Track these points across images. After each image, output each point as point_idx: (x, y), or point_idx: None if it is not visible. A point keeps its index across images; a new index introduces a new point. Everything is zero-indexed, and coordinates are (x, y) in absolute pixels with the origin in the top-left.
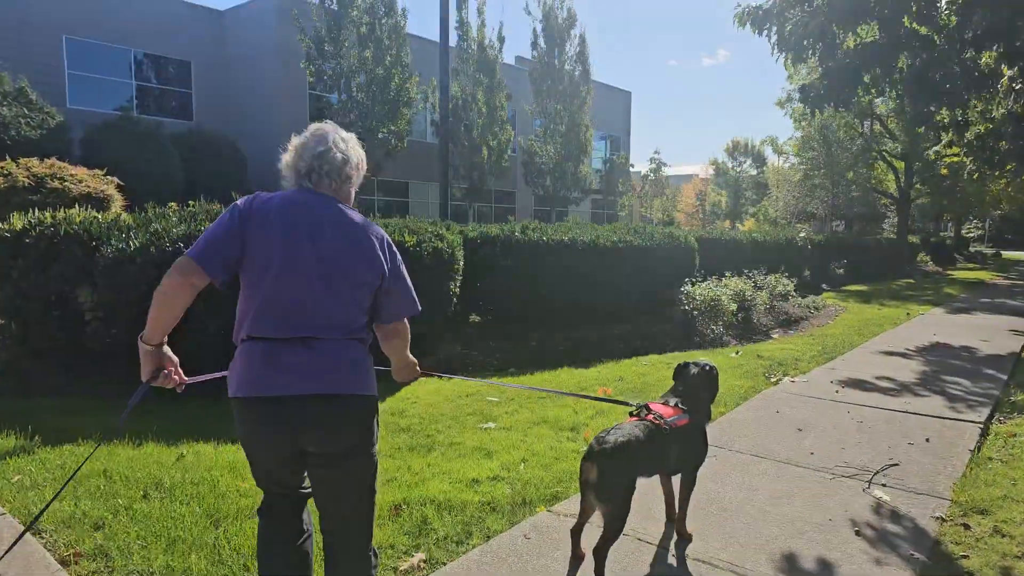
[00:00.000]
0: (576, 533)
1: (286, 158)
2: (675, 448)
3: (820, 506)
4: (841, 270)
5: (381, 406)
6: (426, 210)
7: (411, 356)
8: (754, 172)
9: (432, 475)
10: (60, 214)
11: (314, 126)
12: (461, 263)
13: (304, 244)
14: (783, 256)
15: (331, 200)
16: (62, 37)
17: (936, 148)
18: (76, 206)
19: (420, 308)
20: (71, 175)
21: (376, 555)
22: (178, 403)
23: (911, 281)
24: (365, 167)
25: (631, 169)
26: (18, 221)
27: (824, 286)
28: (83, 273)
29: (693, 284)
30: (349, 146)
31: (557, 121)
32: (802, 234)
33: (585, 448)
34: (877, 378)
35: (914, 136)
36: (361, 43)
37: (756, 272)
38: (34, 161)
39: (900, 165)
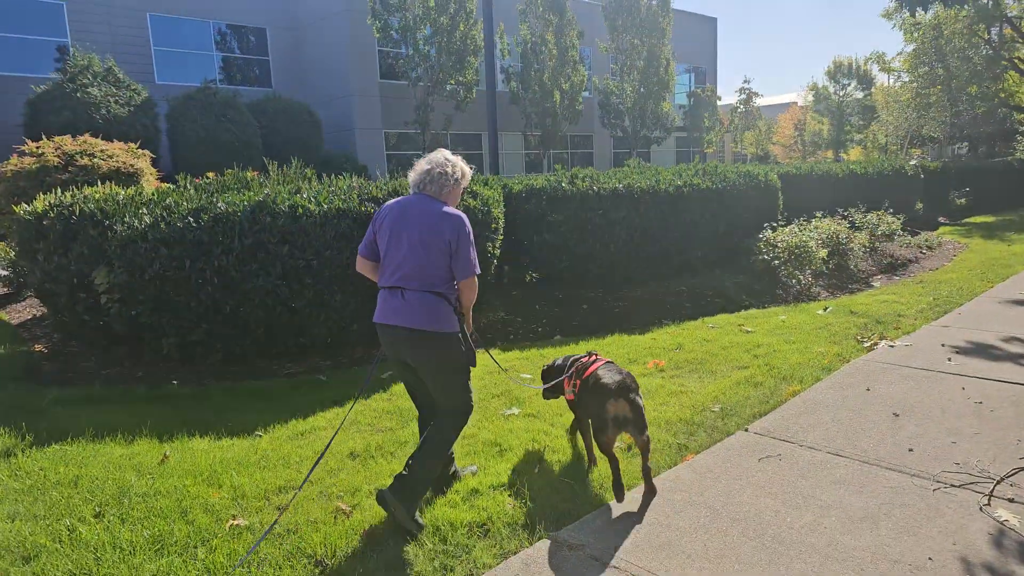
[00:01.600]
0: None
1: (409, 175)
2: None
3: (918, 534)
4: (962, 200)
5: (399, 388)
6: (500, 161)
7: (470, 310)
8: (860, 95)
9: None
10: (79, 193)
11: (429, 155)
12: (501, 220)
13: (400, 229)
14: (889, 189)
15: (429, 199)
16: (147, 15)
17: None
18: (104, 183)
19: (476, 272)
20: (101, 151)
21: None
22: (204, 386)
23: None
24: (468, 179)
25: (718, 102)
26: (40, 203)
27: (941, 219)
28: (100, 253)
29: (774, 229)
30: (447, 167)
31: (634, 56)
32: (913, 161)
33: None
34: (1004, 340)
35: None
36: None
37: (854, 210)
38: (67, 139)
39: None
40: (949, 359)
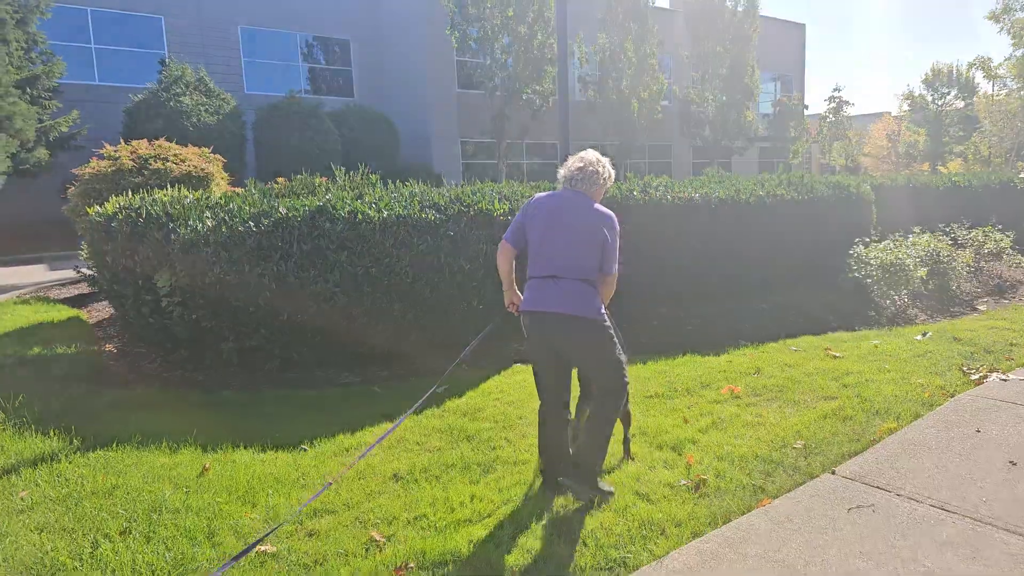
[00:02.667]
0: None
1: (560, 171)
2: None
3: None
4: None
5: (454, 404)
6: None
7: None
8: (960, 104)
9: (468, 518)
10: (148, 196)
11: (581, 152)
12: None
13: (556, 221)
14: (995, 203)
15: (581, 195)
16: (237, 27)
17: None
18: (175, 186)
19: (616, 270)
20: (175, 155)
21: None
22: (258, 393)
23: None
24: (612, 180)
25: (806, 111)
26: (111, 206)
27: None
28: (163, 256)
29: (866, 245)
30: (599, 167)
31: (717, 64)
32: (1022, 174)
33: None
34: None
35: None
36: (503, 1)
37: (956, 226)
38: (142, 143)
39: None
40: None
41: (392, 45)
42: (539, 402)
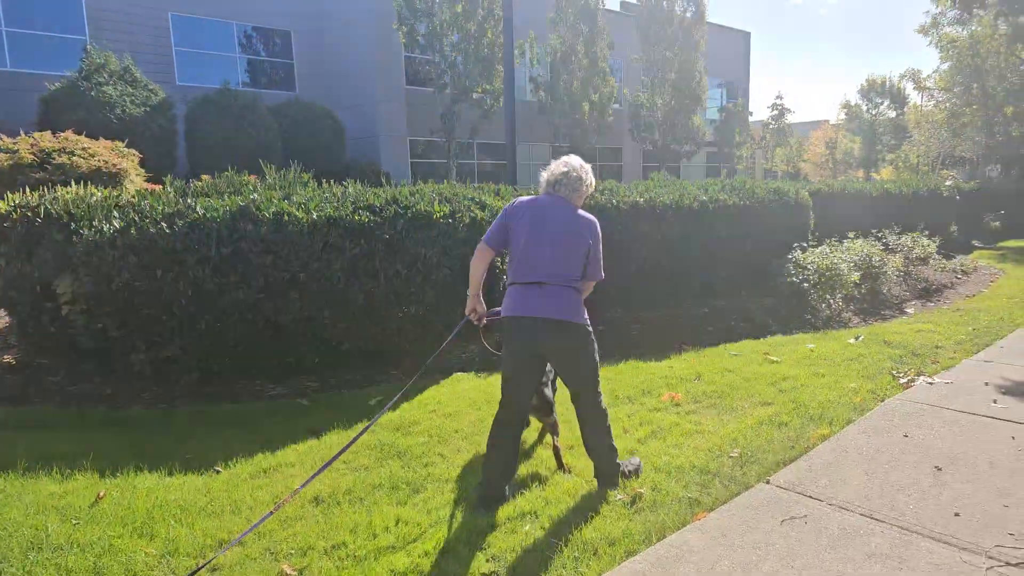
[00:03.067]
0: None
1: (543, 175)
2: None
3: None
4: (996, 223)
5: (387, 417)
6: (528, 172)
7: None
8: (893, 114)
9: (392, 544)
10: (49, 193)
11: (564, 157)
12: None
13: (541, 227)
14: (923, 209)
15: (565, 200)
16: (168, 14)
17: None
18: (82, 184)
19: (603, 276)
20: (83, 149)
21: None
22: (172, 408)
23: None
24: (593, 187)
25: (750, 117)
26: (5, 204)
27: (975, 243)
28: (64, 259)
29: (804, 250)
30: (582, 173)
31: (666, 69)
32: (948, 182)
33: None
34: None
35: None
36: None
37: (887, 231)
38: (46, 135)
39: None
40: (994, 401)
41: (337, 38)
42: (499, 409)
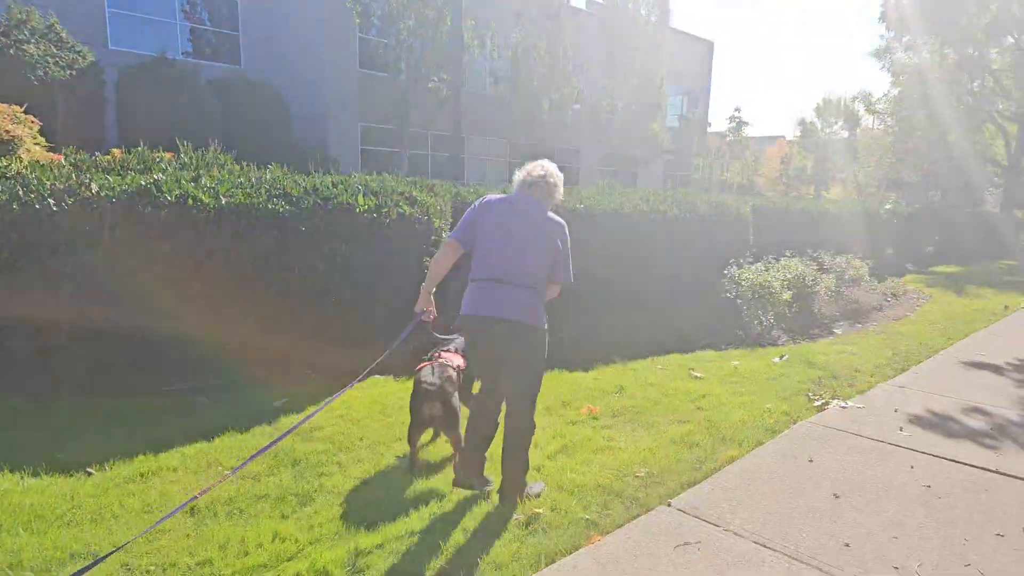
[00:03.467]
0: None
1: (517, 174)
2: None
3: None
4: (931, 248)
5: (289, 421)
6: (482, 167)
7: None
8: (845, 134)
9: (264, 563)
10: None
11: (541, 161)
12: (445, 233)
13: (509, 226)
14: (861, 231)
15: (537, 202)
16: None
17: None
18: None
19: (572, 279)
20: None
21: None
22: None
23: (1013, 263)
24: (562, 193)
25: (708, 128)
26: None
27: (909, 266)
28: None
29: (740, 266)
30: (557, 179)
31: (628, 73)
32: (888, 205)
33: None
34: (961, 409)
35: None
36: None
37: (823, 252)
38: None
39: (1012, 128)
40: (901, 428)
41: (288, 11)
42: (478, 391)
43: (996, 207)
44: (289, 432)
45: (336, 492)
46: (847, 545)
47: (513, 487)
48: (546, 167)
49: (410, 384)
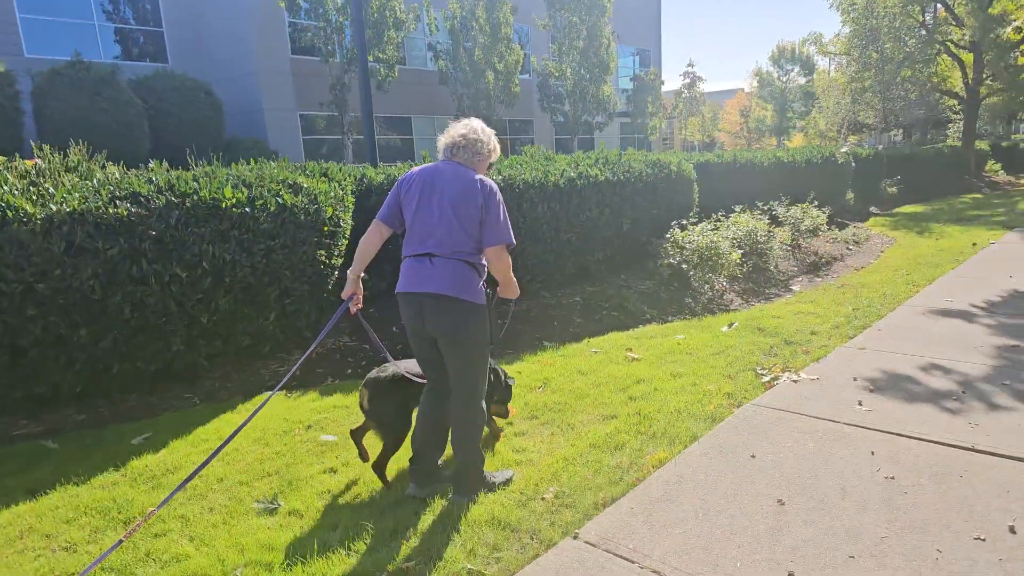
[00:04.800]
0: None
1: (440, 139)
2: None
3: None
4: (894, 188)
5: (142, 463)
6: (431, 146)
7: (512, 278)
8: (803, 81)
9: None
10: None
11: (464, 119)
12: (344, 223)
13: (430, 194)
14: (818, 178)
15: (461, 166)
16: None
17: (1016, 24)
18: None
19: (513, 241)
20: None
21: (484, 412)
22: None
23: (978, 196)
24: (497, 153)
25: (663, 87)
26: None
27: (873, 209)
28: None
29: (684, 227)
30: (482, 135)
31: (573, 36)
32: (844, 149)
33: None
34: (924, 368)
35: (985, 19)
36: None
37: (776, 203)
38: None
39: (968, 58)
40: (860, 402)
41: (212, 3)
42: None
43: (958, 141)
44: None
45: (164, 559)
46: (791, 574)
47: (463, 483)
48: (469, 124)
49: (304, 400)
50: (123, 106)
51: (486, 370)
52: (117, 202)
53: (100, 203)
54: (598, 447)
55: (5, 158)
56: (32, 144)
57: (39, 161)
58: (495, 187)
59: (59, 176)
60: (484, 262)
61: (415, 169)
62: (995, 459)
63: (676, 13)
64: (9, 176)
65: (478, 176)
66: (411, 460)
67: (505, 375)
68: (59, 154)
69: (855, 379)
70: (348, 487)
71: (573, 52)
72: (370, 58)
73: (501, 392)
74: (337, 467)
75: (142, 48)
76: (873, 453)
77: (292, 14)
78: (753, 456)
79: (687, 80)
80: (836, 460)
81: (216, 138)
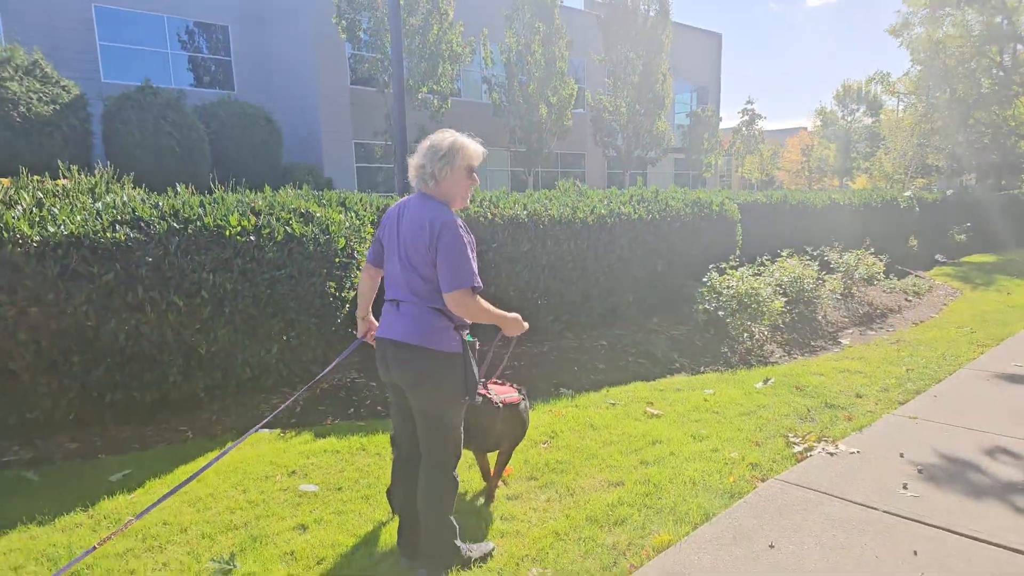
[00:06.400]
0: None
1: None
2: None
3: None
4: (962, 236)
5: (113, 505)
6: (482, 179)
7: (502, 314)
8: (868, 121)
9: None
10: None
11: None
12: (361, 255)
13: (395, 233)
14: (877, 222)
15: (424, 196)
16: (92, 7)
17: None
18: None
19: (471, 283)
20: None
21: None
22: None
23: None
24: (475, 158)
25: (720, 124)
26: None
27: (939, 257)
28: None
29: (722, 271)
30: (439, 148)
31: (629, 71)
32: (907, 192)
33: None
34: (987, 450)
35: None
36: None
37: (828, 248)
38: None
39: None
40: (905, 486)
41: (278, 34)
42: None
43: None
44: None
45: None
46: None
47: (431, 556)
48: (430, 140)
49: (297, 440)
50: (186, 130)
51: (458, 430)
52: (117, 226)
53: (97, 227)
54: (596, 521)
55: (10, 180)
56: (96, 163)
57: (67, 182)
58: (453, 223)
59: (75, 197)
60: None
61: (395, 204)
62: None
63: (737, 50)
64: (27, 196)
65: (434, 210)
66: (398, 528)
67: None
68: (86, 175)
69: (902, 455)
70: (314, 550)
71: (628, 87)
72: (424, 90)
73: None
74: (309, 524)
75: (212, 76)
76: (916, 553)
77: (353, 46)
78: (772, 546)
79: (745, 117)
80: (870, 558)
81: (273, 163)
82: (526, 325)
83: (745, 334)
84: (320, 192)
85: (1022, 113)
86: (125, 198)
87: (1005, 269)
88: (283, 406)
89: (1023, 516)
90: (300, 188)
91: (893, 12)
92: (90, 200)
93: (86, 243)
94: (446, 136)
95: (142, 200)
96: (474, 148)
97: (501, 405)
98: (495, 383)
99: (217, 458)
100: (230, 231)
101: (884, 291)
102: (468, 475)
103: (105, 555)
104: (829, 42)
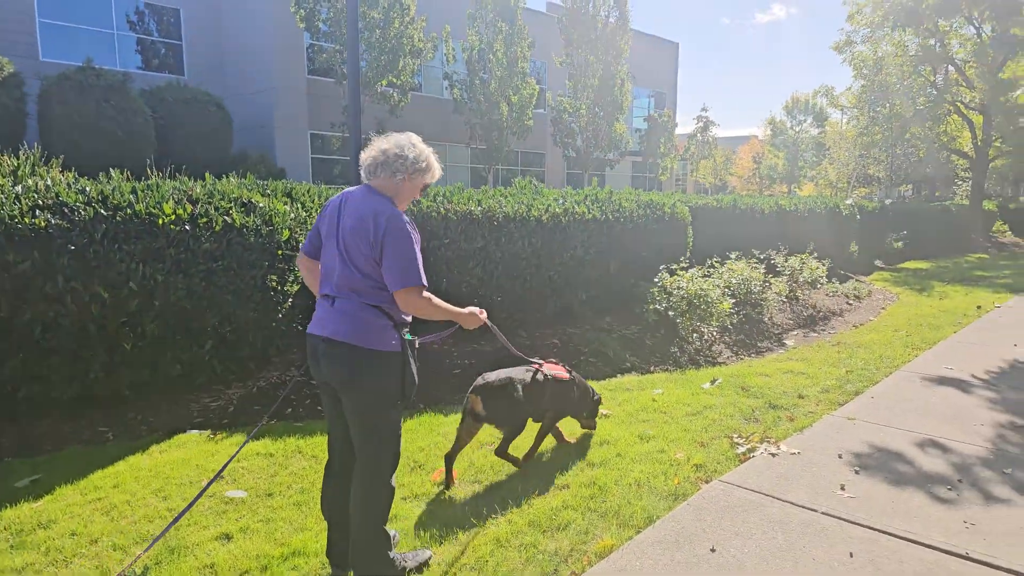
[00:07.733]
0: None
1: (361, 156)
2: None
3: None
4: (899, 243)
5: (14, 514)
6: (443, 174)
7: (457, 310)
8: (815, 131)
9: None
10: None
11: (393, 134)
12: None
13: (334, 225)
14: (821, 228)
15: (372, 190)
16: None
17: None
18: None
19: (420, 281)
20: None
21: (391, 488)
22: None
23: (984, 257)
24: (434, 173)
25: (676, 129)
26: None
27: (878, 263)
28: None
29: (673, 272)
30: (406, 151)
31: (589, 74)
32: (849, 200)
33: None
34: (920, 444)
35: (996, 83)
36: None
37: (774, 252)
38: None
39: (977, 119)
40: (843, 487)
41: (233, 20)
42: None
43: (966, 199)
44: None
45: None
46: None
47: (360, 565)
48: (394, 139)
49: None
50: (130, 115)
51: (395, 434)
52: (37, 212)
53: (16, 212)
54: (539, 525)
55: None
56: (22, 146)
57: None
58: (398, 217)
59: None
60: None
61: (337, 195)
62: (991, 572)
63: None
64: None
65: (376, 208)
66: (328, 536)
67: (593, 391)
68: (12, 157)
69: (840, 456)
70: (236, 562)
71: (588, 90)
72: (383, 83)
73: (590, 407)
74: (234, 533)
75: (162, 59)
76: (852, 555)
77: (312, 36)
78: (713, 550)
79: (700, 124)
80: (807, 560)
81: (223, 151)
82: (484, 317)
83: (695, 334)
84: (265, 182)
85: (953, 130)
86: (49, 182)
87: (938, 276)
88: (277, 404)
89: (950, 514)
90: (246, 177)
91: (837, 30)
92: (10, 184)
93: (1, 229)
94: (421, 148)
95: (67, 185)
96: (439, 171)
97: (551, 379)
98: (550, 362)
99: (238, 450)
100: (164, 219)
101: (827, 295)
102: (408, 479)
103: (0, 571)
104: (778, 55)
